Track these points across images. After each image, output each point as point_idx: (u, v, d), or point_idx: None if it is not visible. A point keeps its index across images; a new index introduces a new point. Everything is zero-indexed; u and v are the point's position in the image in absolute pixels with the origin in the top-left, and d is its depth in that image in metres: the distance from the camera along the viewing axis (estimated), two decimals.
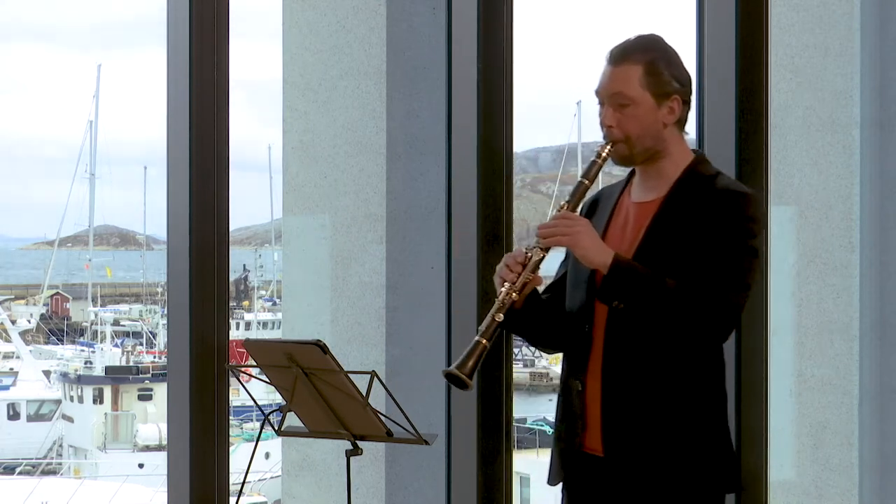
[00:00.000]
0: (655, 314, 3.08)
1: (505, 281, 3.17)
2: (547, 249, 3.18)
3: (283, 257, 5.22)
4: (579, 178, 3.22)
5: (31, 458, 25.44)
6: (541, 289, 3.30)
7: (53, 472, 24.87)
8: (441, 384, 4.86)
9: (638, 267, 3.10)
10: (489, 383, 4.88)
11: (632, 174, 3.31)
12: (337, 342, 4.78)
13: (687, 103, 3.23)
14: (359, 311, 4.89)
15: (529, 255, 3.17)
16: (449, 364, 4.86)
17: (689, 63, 4.77)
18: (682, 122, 3.24)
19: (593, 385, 3.19)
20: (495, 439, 4.90)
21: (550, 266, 3.36)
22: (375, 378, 3.42)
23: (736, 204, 3.13)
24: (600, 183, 3.49)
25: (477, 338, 3.12)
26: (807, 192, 4.91)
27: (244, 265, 40.56)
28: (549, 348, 3.38)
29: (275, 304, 36.21)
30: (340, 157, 4.94)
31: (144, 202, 43.70)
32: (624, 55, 3.20)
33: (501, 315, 3.14)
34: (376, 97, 4.86)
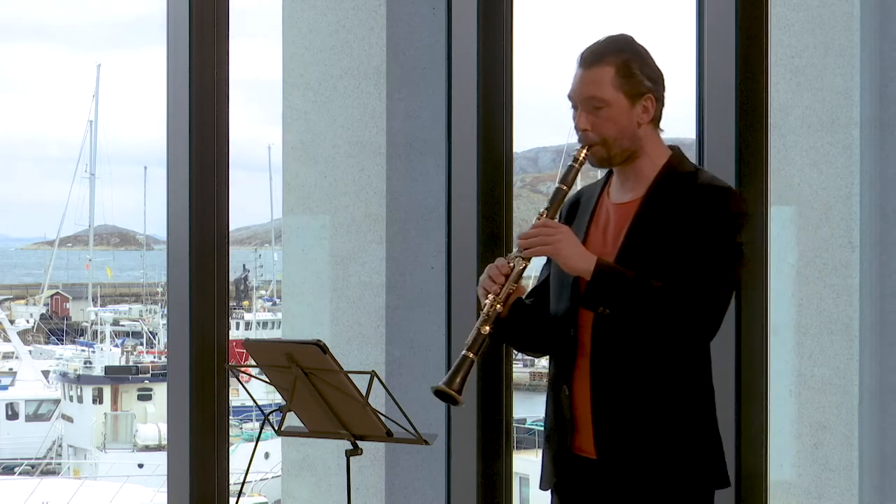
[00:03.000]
0: (641, 317, 3.07)
1: (489, 293, 3.16)
2: (529, 259, 3.17)
3: (283, 257, 5.22)
4: (556, 184, 3.21)
5: (31, 458, 25.43)
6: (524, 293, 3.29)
7: (53, 473, 24.86)
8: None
9: (622, 271, 3.09)
10: (489, 383, 4.88)
11: (610, 174, 3.30)
12: (337, 342, 4.78)
13: (661, 100, 3.22)
14: (359, 311, 4.89)
15: (512, 265, 3.15)
16: (449, 365, 4.87)
17: (689, 63, 4.80)
18: (656, 120, 3.23)
19: (581, 388, 3.18)
20: (495, 439, 4.90)
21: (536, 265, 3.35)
22: (375, 378, 3.42)
23: (718, 200, 3.12)
24: (579, 183, 3.49)
25: (464, 352, 3.10)
26: (807, 192, 4.91)
27: (244, 265, 40.56)
28: (536, 353, 3.36)
29: (275, 304, 36.22)
30: (340, 157, 4.93)
31: (144, 202, 43.72)
32: (596, 57, 3.19)
33: (488, 327, 3.13)
34: (376, 97, 4.86)
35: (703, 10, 4.79)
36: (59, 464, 25.94)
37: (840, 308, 4.92)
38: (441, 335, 4.88)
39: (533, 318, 3.28)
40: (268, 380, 3.57)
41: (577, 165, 3.20)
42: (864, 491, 4.92)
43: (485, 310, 3.14)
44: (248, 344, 3.57)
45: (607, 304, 3.09)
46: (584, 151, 3.20)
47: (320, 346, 3.37)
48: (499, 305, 3.14)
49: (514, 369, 5.06)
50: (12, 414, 27.20)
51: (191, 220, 4.74)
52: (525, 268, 3.16)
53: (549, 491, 3.31)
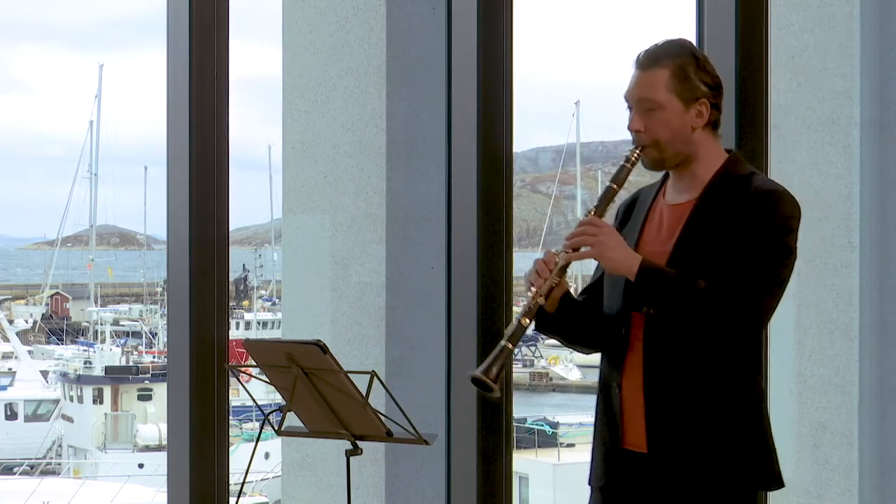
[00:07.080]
0: (685, 317, 3.09)
1: (532, 286, 3.18)
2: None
3: (283, 257, 5.22)
4: (608, 183, 3.23)
5: (30, 458, 25.43)
6: (580, 289, 3.33)
7: (53, 473, 24.87)
8: (441, 384, 4.86)
9: (666, 270, 3.12)
10: None
11: (666, 176, 3.32)
12: (337, 342, 4.78)
13: (717, 106, 3.23)
14: (359, 311, 4.88)
15: (557, 259, 3.18)
16: (449, 364, 4.87)
17: None
18: (713, 125, 3.24)
19: (630, 385, 3.21)
20: (495, 439, 4.90)
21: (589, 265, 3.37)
22: (375, 378, 3.42)
23: (769, 203, 3.13)
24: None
25: (503, 342, 3.12)
26: (807, 192, 4.91)
27: (244, 265, 40.57)
28: (585, 348, 3.39)
29: (275, 304, 36.25)
30: (340, 157, 4.93)
31: (145, 202, 43.77)
32: (651, 60, 3.21)
33: (528, 320, 3.15)
34: (376, 97, 4.85)
35: (703, 10, 4.79)
36: (60, 464, 25.94)
37: (840, 308, 4.92)
38: (441, 335, 4.87)
39: (581, 313, 3.30)
40: (268, 380, 3.57)
41: (629, 166, 3.22)
42: (864, 491, 4.92)
43: (527, 302, 3.17)
44: (248, 344, 3.57)
45: (651, 304, 3.13)
46: (637, 152, 3.22)
47: (320, 346, 3.38)
48: (540, 298, 3.16)
49: (514, 369, 5.06)
50: (11, 414, 27.21)
51: (191, 220, 4.74)
52: (568, 264, 3.19)
53: (591, 488, 3.33)
